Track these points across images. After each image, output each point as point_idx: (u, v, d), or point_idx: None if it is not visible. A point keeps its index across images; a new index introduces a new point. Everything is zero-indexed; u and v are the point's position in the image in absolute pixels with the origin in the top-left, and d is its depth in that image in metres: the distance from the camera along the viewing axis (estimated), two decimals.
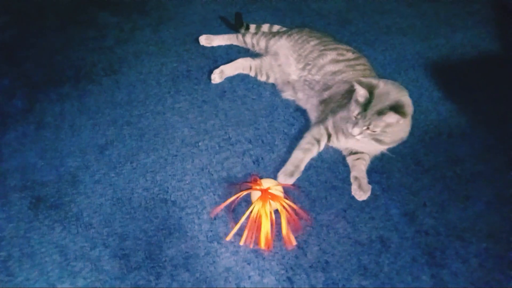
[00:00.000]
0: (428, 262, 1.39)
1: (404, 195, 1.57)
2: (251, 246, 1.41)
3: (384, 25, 2.37)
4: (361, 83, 1.45)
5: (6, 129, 1.81)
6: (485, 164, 1.66)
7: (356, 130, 1.46)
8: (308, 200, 1.55)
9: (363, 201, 1.54)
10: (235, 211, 1.51)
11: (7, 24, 2.38)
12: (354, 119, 1.47)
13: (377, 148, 1.62)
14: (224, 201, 1.49)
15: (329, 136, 1.65)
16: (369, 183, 1.57)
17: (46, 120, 1.85)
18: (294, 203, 1.46)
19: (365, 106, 1.44)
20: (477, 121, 1.82)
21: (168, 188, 1.60)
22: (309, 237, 1.45)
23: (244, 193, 1.49)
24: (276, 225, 1.43)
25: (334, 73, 1.75)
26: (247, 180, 1.55)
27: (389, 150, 1.62)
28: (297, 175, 1.57)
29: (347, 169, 1.64)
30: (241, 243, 1.42)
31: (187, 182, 1.61)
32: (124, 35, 2.31)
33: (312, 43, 1.89)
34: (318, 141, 1.64)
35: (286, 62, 1.92)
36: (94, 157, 1.70)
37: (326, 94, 1.72)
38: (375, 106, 1.42)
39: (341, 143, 1.65)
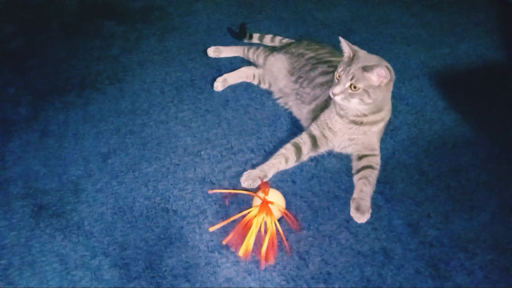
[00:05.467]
0: (432, 274, 1.37)
1: (407, 206, 1.55)
2: (233, 249, 1.41)
3: (388, 35, 2.37)
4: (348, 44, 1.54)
5: (10, 136, 1.82)
6: (490, 174, 1.64)
7: (337, 89, 1.49)
8: (311, 210, 1.54)
9: None
10: (231, 208, 1.52)
11: (14, 33, 2.41)
12: (336, 80, 1.52)
13: (367, 139, 1.62)
14: (226, 218, 1.48)
15: (313, 139, 1.66)
16: (373, 194, 1.55)
17: (50, 128, 1.86)
18: (294, 216, 1.46)
19: (349, 63, 1.50)
20: (481, 131, 1.81)
21: (169, 197, 1.59)
22: (311, 248, 1.43)
23: (246, 193, 1.50)
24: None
25: (322, 84, 1.77)
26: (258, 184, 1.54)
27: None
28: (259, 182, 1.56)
29: (350, 179, 1.63)
30: (224, 242, 1.41)
31: (188, 191, 1.61)
32: (129, 44, 2.33)
33: (307, 56, 1.91)
34: (298, 147, 1.65)
35: (280, 74, 1.94)
36: (96, 165, 1.70)
37: (314, 104, 1.75)
38: (359, 63, 1.48)
39: (329, 141, 1.66)
